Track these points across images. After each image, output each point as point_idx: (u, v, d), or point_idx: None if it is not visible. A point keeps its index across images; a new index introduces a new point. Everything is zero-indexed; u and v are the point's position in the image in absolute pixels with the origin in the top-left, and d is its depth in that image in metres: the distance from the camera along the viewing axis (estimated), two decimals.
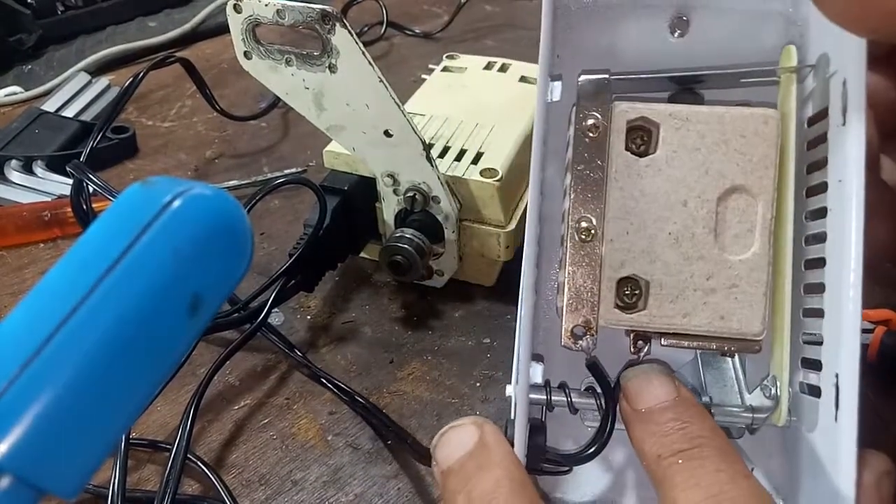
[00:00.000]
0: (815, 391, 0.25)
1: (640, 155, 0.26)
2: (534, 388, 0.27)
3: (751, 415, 0.27)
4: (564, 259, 0.26)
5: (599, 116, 0.26)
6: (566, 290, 0.26)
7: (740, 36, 0.28)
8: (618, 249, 0.26)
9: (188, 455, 0.38)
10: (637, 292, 0.26)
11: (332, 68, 0.41)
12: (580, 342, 0.26)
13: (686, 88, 0.28)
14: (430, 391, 0.44)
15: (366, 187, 0.48)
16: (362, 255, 0.53)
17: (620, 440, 0.27)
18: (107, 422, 0.15)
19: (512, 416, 0.26)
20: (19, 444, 0.14)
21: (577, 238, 0.26)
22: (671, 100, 0.28)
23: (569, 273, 0.26)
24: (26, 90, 0.74)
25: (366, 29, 0.83)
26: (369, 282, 0.52)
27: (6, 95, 0.74)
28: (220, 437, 0.42)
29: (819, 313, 0.25)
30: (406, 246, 0.45)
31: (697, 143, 0.25)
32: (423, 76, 0.60)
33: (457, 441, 0.25)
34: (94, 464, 0.16)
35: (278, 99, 0.52)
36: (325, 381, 0.43)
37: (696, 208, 0.25)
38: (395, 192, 0.47)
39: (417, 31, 0.85)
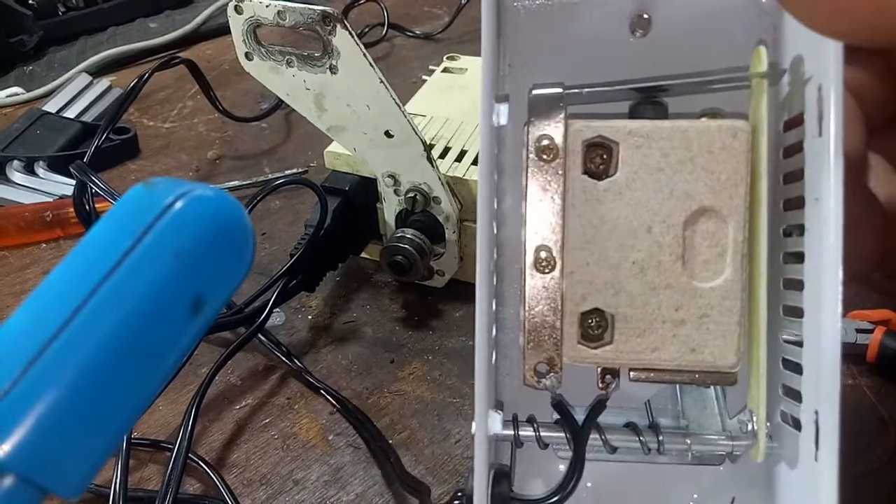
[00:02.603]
0: (796, 423, 0.24)
1: (600, 176, 0.24)
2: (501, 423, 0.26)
3: (731, 442, 0.25)
4: (523, 293, 0.24)
5: (554, 136, 0.24)
6: (526, 325, 0.24)
7: (707, 33, 0.26)
8: (579, 282, 0.24)
9: (189, 454, 0.38)
10: (602, 324, 0.24)
11: (332, 69, 0.41)
12: (544, 380, 0.24)
13: (648, 97, 0.25)
14: (431, 391, 0.44)
15: (367, 188, 0.48)
16: (363, 255, 0.53)
17: (594, 473, 0.25)
18: (109, 421, 0.16)
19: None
20: (22, 444, 0.14)
21: (535, 269, 0.24)
22: (633, 110, 0.25)
23: (528, 308, 0.24)
24: (28, 91, 0.74)
25: (366, 30, 0.83)
26: (370, 282, 0.52)
27: (8, 96, 0.74)
28: (221, 437, 0.42)
29: (798, 341, 0.24)
30: (407, 246, 0.45)
31: (660, 162, 0.23)
32: (424, 77, 0.60)
33: None
34: (97, 463, 0.16)
35: (280, 100, 0.52)
36: (321, 389, 0.43)
37: (661, 234, 0.24)
38: (395, 192, 0.47)
39: (418, 32, 0.85)
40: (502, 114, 0.26)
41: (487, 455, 0.24)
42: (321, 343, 0.48)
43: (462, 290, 0.50)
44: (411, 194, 0.46)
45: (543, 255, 0.24)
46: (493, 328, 0.26)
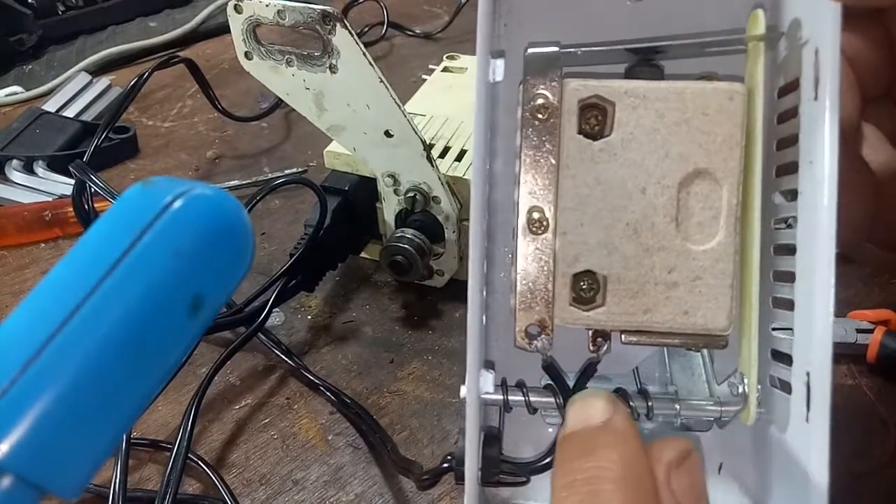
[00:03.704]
0: (785, 387, 0.24)
1: (595, 136, 0.23)
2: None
3: (719, 408, 0.25)
4: (515, 253, 0.24)
5: (549, 96, 0.23)
6: (518, 287, 0.24)
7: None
8: (572, 242, 0.24)
9: (189, 454, 0.38)
10: (594, 286, 0.24)
11: (332, 69, 0.41)
12: (535, 342, 0.24)
13: (645, 59, 0.25)
14: (431, 391, 0.44)
15: (366, 187, 0.48)
16: (363, 255, 0.53)
17: None
18: (108, 421, 0.16)
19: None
20: (21, 444, 0.14)
21: (528, 230, 0.24)
22: (628, 72, 0.25)
23: (520, 269, 0.24)
24: (27, 90, 0.74)
25: (366, 29, 0.83)
26: (370, 282, 0.52)
27: (7, 95, 0.74)
28: (220, 437, 0.42)
29: (789, 304, 0.24)
30: (407, 246, 0.45)
31: (656, 123, 0.23)
32: (424, 76, 0.60)
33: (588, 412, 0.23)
34: (96, 463, 0.16)
35: (280, 100, 0.53)
36: (320, 386, 0.43)
37: (655, 195, 0.23)
38: (395, 192, 0.47)
39: (418, 31, 0.85)
40: (498, 69, 0.25)
41: (478, 416, 0.24)
42: (321, 343, 0.48)
43: (462, 290, 0.50)
44: (411, 194, 0.46)
45: (536, 215, 0.24)
46: (483, 289, 0.26)
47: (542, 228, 0.24)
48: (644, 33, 0.25)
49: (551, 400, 0.25)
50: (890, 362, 0.43)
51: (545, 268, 0.24)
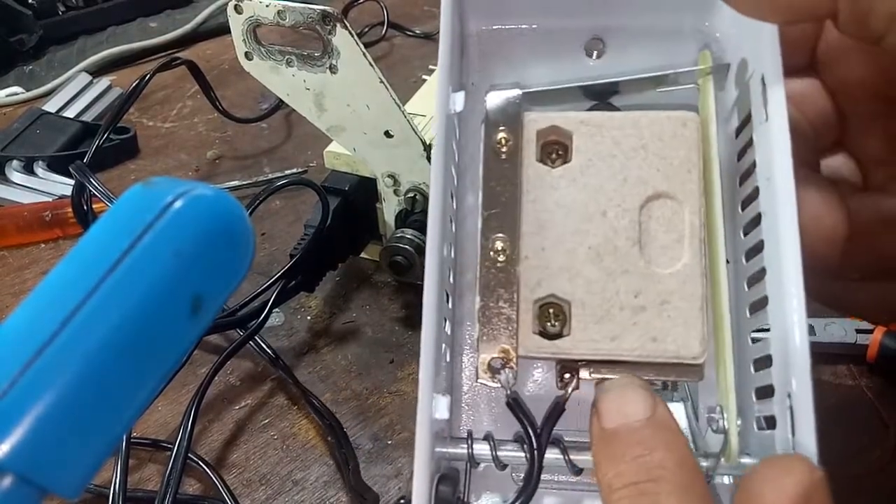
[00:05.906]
0: (770, 422, 0.23)
1: (555, 164, 0.24)
2: (455, 440, 0.24)
3: (705, 462, 0.23)
4: (478, 283, 0.24)
5: (510, 130, 0.24)
6: (480, 317, 0.23)
7: (658, 55, 0.27)
8: (534, 267, 0.24)
9: (189, 455, 0.38)
10: (560, 317, 0.23)
11: (332, 69, 0.41)
12: (498, 376, 0.23)
13: (603, 103, 0.26)
14: None
15: (366, 188, 0.48)
16: (363, 255, 0.53)
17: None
18: (108, 421, 0.16)
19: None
20: (22, 444, 0.14)
21: (490, 259, 0.24)
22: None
23: (482, 298, 0.23)
24: (27, 91, 0.74)
25: (366, 30, 0.83)
26: (370, 282, 0.52)
27: (7, 96, 0.74)
28: (220, 437, 0.42)
29: (766, 331, 0.23)
30: (407, 246, 0.45)
31: (613, 149, 0.24)
32: (424, 77, 0.60)
33: (632, 406, 0.22)
34: (96, 463, 0.16)
35: (281, 100, 0.52)
36: (302, 399, 0.43)
37: (616, 218, 0.24)
38: (395, 192, 0.47)
39: (418, 31, 0.85)
40: (458, 101, 0.26)
41: (430, 446, 0.22)
42: (320, 344, 0.48)
43: None
44: (411, 194, 0.46)
45: (499, 245, 0.24)
46: (443, 308, 0.25)
47: (505, 257, 0.24)
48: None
49: (521, 455, 0.23)
50: (890, 362, 0.43)
51: (508, 296, 0.24)
